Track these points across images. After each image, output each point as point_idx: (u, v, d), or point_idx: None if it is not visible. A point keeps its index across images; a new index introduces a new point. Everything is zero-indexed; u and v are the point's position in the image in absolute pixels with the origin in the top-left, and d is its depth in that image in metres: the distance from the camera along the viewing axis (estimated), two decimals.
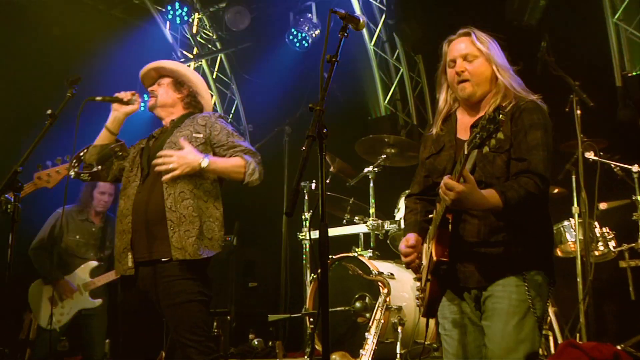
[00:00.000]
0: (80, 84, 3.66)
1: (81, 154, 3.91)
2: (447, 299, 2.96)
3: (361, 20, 2.85)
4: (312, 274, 6.01)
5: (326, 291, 2.36)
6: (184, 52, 9.59)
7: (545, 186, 2.73)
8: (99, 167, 3.87)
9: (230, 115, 9.69)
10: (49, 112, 3.48)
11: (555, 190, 5.66)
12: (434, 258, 2.73)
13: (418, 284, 2.99)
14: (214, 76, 9.70)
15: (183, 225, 3.53)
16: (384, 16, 7.84)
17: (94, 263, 5.75)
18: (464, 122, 3.00)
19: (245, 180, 3.62)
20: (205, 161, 3.53)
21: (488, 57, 2.92)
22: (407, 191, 3.50)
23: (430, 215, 2.96)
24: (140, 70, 4.07)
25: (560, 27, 5.87)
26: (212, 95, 9.34)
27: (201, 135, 3.71)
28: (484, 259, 2.78)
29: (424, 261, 2.92)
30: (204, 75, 9.66)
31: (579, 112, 5.02)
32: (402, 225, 3.19)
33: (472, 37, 2.96)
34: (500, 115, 2.34)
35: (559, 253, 5.70)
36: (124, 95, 3.88)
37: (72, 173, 3.89)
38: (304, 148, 2.46)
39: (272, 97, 8.42)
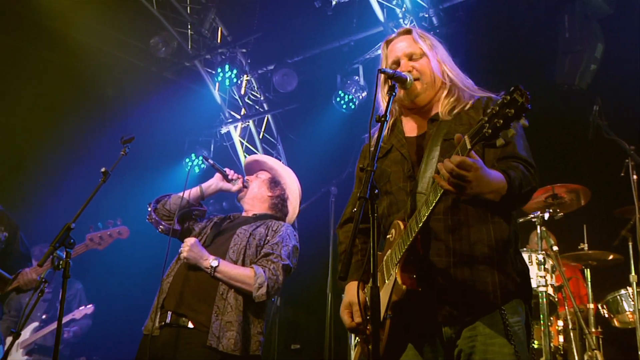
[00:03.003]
0: (131, 141, 3.76)
1: (163, 199, 4.00)
2: (409, 347, 2.53)
3: (408, 79, 2.77)
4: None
5: (378, 355, 2.26)
6: (232, 113, 9.76)
7: (535, 172, 2.42)
8: (179, 226, 3.95)
9: None
10: (103, 170, 3.55)
11: (610, 257, 5.46)
12: (402, 287, 2.35)
13: None
14: (261, 136, 9.81)
15: (226, 316, 3.54)
16: None
17: (35, 324, 6.02)
18: (411, 124, 2.76)
19: (254, 294, 3.61)
20: (214, 262, 3.59)
21: (434, 55, 2.71)
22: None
23: (389, 237, 2.57)
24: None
25: (612, 91, 5.79)
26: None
27: (268, 237, 3.81)
28: (456, 286, 2.41)
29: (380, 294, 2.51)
30: (250, 136, 9.80)
31: (635, 177, 4.88)
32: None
33: (413, 35, 2.76)
34: (522, 96, 1.95)
35: (616, 323, 5.46)
36: (231, 173, 4.06)
37: (152, 220, 3.96)
38: (355, 209, 2.41)
39: (318, 158, 8.45)
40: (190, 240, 3.69)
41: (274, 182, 4.13)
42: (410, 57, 2.74)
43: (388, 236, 2.59)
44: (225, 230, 3.90)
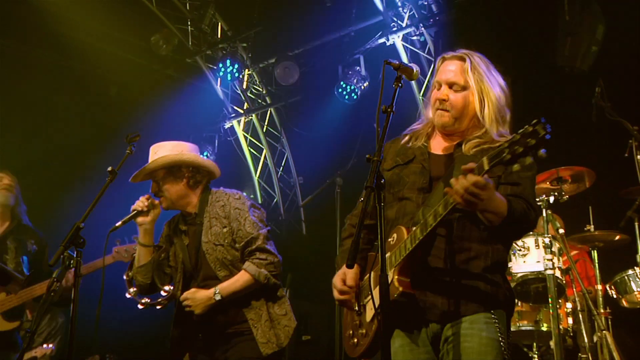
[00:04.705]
0: (136, 139, 3.76)
1: (130, 275, 3.84)
2: (400, 342, 2.66)
3: (415, 70, 2.78)
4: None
5: (388, 343, 2.31)
6: (235, 107, 9.80)
7: (536, 216, 2.59)
8: (166, 288, 3.76)
9: (281, 168, 9.79)
10: (109, 169, 3.56)
11: (617, 238, 5.47)
12: (399, 288, 2.50)
13: None
14: (264, 130, 9.85)
15: (262, 318, 3.61)
16: (432, 66, 7.88)
17: None
18: (438, 142, 2.83)
19: (264, 286, 3.63)
20: (217, 296, 3.57)
21: (478, 92, 2.71)
22: None
23: (390, 240, 2.65)
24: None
25: (615, 72, 5.79)
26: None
27: (226, 230, 3.70)
28: (449, 289, 2.56)
29: (372, 291, 2.65)
30: (254, 130, 9.83)
31: (639, 157, 4.89)
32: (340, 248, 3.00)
33: (466, 64, 2.74)
34: (544, 129, 2.07)
35: (624, 303, 5.46)
36: (142, 205, 3.75)
37: (140, 307, 3.75)
38: (362, 199, 2.44)
39: (322, 150, 8.48)
40: (188, 298, 3.59)
41: (173, 171, 3.76)
42: (451, 86, 2.75)
43: (389, 239, 2.67)
44: (195, 254, 3.75)
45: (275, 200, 9.76)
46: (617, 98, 5.23)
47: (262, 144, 9.84)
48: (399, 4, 7.78)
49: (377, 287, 2.58)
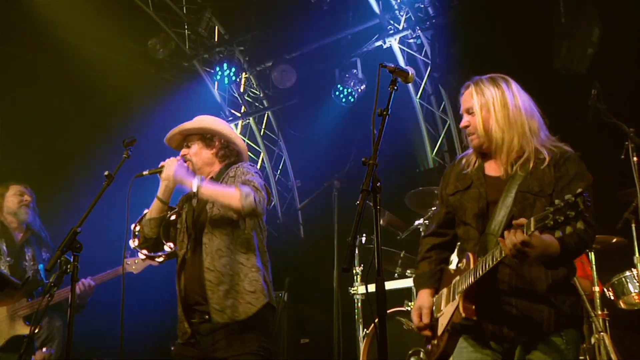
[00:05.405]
0: (133, 144, 3.76)
1: (136, 228, 3.84)
2: (465, 344, 2.81)
3: (410, 73, 2.85)
4: (365, 329, 5.92)
5: (385, 346, 2.33)
6: (232, 111, 9.80)
7: (594, 234, 2.68)
8: (171, 245, 3.78)
9: (279, 172, 9.79)
10: (106, 173, 3.57)
11: (614, 240, 5.47)
12: (462, 314, 2.66)
13: None
14: (262, 133, 9.86)
15: (222, 285, 3.50)
16: (429, 69, 7.90)
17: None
18: (491, 163, 2.93)
19: (242, 204, 3.43)
20: (196, 181, 3.51)
21: (483, 105, 2.83)
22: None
23: (460, 265, 2.83)
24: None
25: (611, 73, 5.80)
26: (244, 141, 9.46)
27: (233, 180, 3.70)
28: (515, 312, 2.68)
29: (443, 307, 2.83)
30: (251, 133, 9.84)
31: (635, 159, 4.90)
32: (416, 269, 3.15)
33: (470, 88, 2.91)
34: (583, 204, 2.25)
35: (622, 305, 5.47)
36: (170, 162, 3.75)
37: (142, 256, 3.81)
38: (358, 202, 2.46)
39: (319, 153, 8.50)
40: (170, 159, 3.60)
41: (207, 138, 3.85)
42: (468, 112, 2.92)
43: (459, 264, 2.83)
44: (198, 213, 3.76)
45: (272, 203, 9.75)
46: (614, 100, 5.24)
47: (259, 147, 9.84)
48: (396, 6, 7.80)
49: (449, 305, 2.79)
